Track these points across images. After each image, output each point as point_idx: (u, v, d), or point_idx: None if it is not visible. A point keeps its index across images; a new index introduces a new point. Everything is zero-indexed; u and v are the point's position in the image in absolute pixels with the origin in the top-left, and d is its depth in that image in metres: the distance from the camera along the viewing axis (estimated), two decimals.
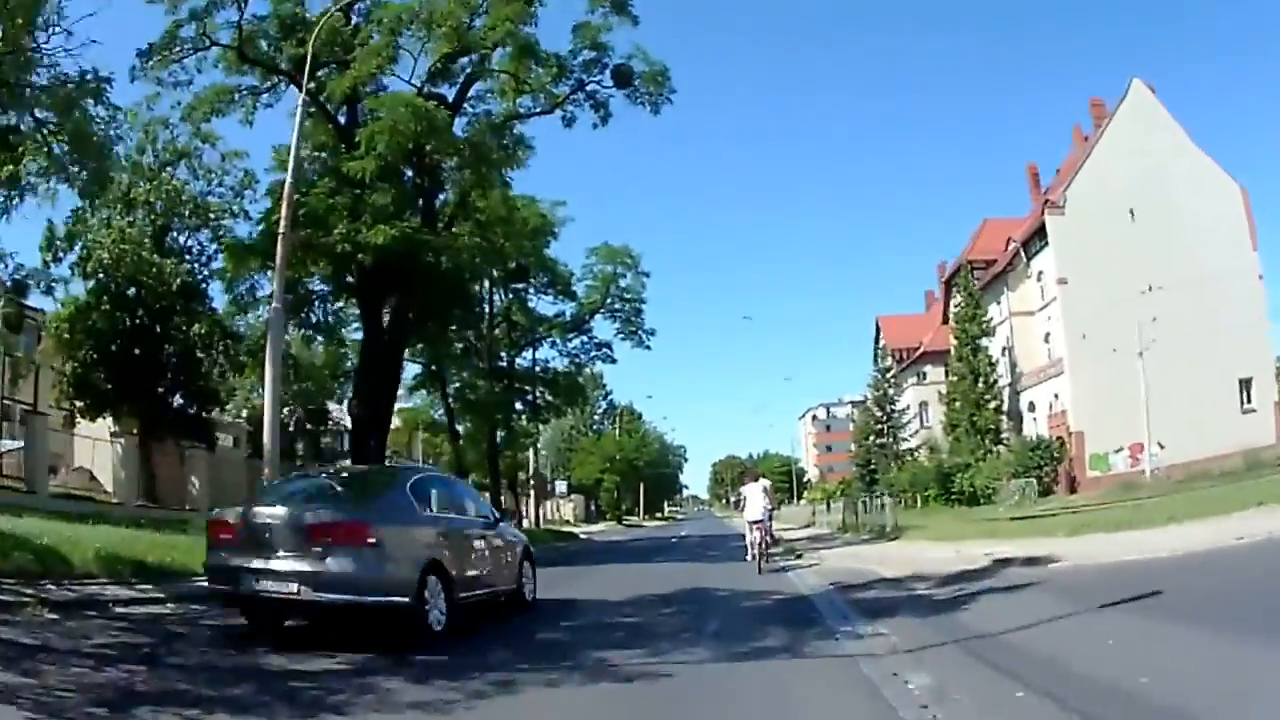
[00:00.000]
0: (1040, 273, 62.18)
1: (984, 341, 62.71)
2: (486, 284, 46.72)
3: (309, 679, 8.62)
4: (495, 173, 32.02)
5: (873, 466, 73.61)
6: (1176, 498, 29.64)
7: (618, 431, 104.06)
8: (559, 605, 15.22)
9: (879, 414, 75.41)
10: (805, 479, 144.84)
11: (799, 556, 26.03)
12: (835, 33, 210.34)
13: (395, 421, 48.61)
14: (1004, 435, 61.79)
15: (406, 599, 10.56)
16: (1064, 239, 58.05)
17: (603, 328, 53.53)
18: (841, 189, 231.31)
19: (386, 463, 32.33)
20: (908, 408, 77.90)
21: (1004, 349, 65.09)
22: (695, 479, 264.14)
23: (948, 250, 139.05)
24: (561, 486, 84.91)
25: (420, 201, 32.54)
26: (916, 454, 73.29)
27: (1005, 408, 63.08)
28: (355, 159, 28.36)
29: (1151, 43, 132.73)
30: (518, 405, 50.90)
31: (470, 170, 31.52)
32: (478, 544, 13.07)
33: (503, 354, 50.29)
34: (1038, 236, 61.67)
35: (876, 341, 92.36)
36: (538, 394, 52.28)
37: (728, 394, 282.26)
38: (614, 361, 52.93)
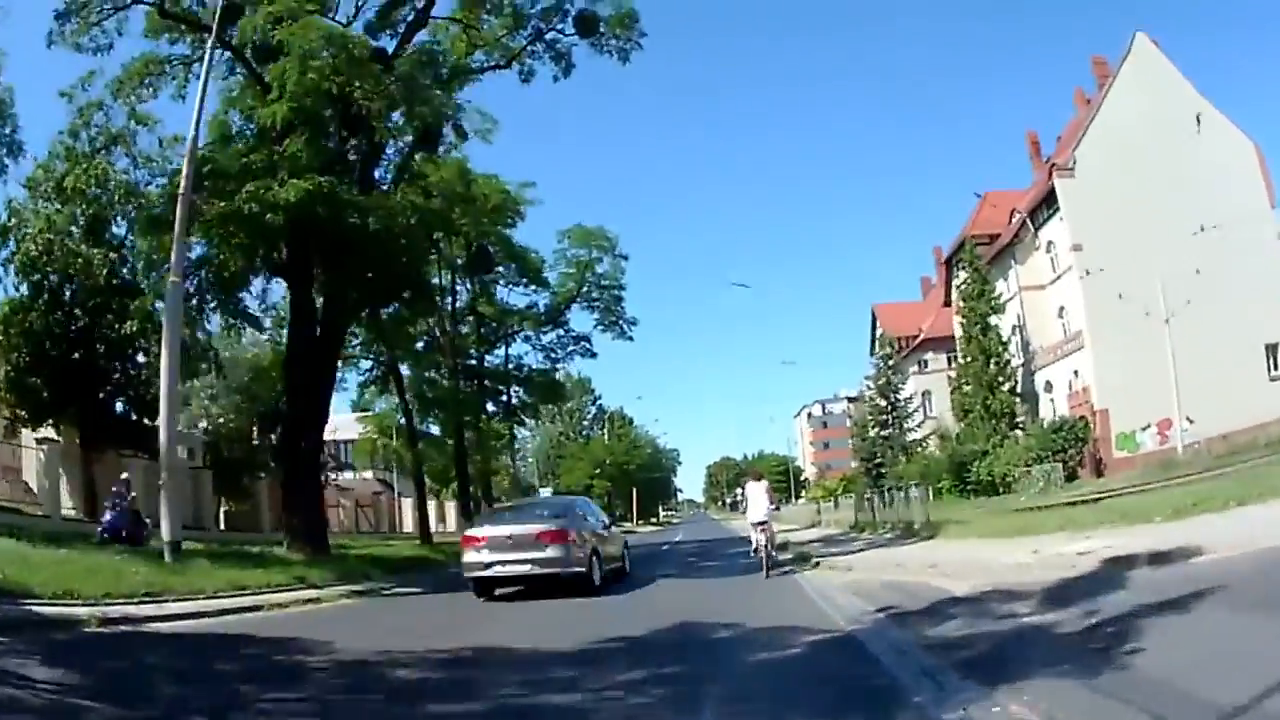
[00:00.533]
0: (1050, 243, 56.90)
1: (993, 320, 57.43)
2: (450, 275, 41.54)
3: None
4: (438, 118, 26.64)
5: (878, 460, 68.07)
6: (1237, 471, 26.56)
7: (607, 435, 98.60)
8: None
9: (883, 404, 69.77)
10: (802, 477, 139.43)
11: (815, 564, 20.71)
12: (813, 19, 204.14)
13: (361, 427, 43.12)
14: (1018, 420, 56.52)
15: (584, 569, 18.05)
16: (1075, 203, 52.90)
17: (580, 320, 48.74)
18: (827, 178, 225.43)
19: (321, 465, 29.27)
20: (911, 397, 72.48)
21: (1014, 327, 59.81)
22: (690, 482, 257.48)
23: (942, 234, 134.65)
24: (546, 494, 78.90)
25: (357, 173, 27.46)
26: (925, 444, 67.93)
27: (1019, 389, 57.80)
28: (268, 105, 23.85)
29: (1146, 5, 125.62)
30: (489, 406, 45.74)
31: (407, 117, 26.32)
32: (607, 536, 20.96)
33: (472, 351, 44.92)
34: (1045, 204, 56.68)
35: (873, 331, 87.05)
36: (511, 393, 47.05)
37: (720, 396, 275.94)
38: (594, 356, 47.72)
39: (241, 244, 24.53)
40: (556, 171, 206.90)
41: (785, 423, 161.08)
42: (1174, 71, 54.42)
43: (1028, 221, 58.56)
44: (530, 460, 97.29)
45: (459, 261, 39.45)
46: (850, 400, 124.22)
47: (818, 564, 20.42)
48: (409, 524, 52.92)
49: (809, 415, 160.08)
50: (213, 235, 24.32)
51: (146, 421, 32.16)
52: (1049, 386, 57.92)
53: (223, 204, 23.30)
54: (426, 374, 40.95)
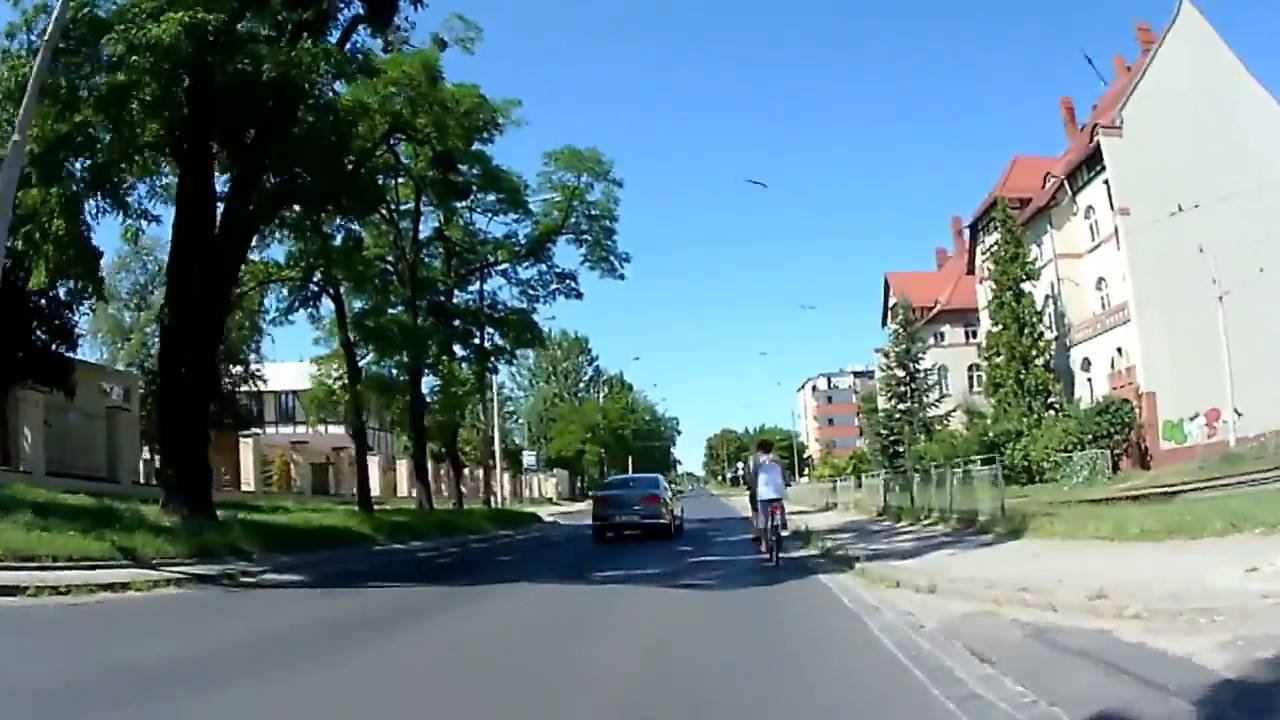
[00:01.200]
0: (1090, 208, 50.91)
1: (1026, 287, 50.81)
2: (414, 196, 34.51)
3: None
4: None
5: (894, 437, 61.20)
6: None
7: (601, 397, 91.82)
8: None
9: (900, 374, 62.72)
10: (805, 454, 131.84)
11: (858, 568, 13.78)
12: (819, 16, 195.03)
13: (308, 374, 35.56)
14: (1052, 400, 49.73)
15: (666, 522, 26.21)
16: (1122, 164, 46.63)
17: (566, 255, 41.82)
18: (836, 142, 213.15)
19: (208, 399, 21.27)
20: (931, 369, 65.51)
21: (1047, 297, 53.14)
22: (689, 455, 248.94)
23: (958, 204, 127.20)
24: (529, 459, 71.64)
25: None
26: (946, 421, 61.01)
27: (1052, 365, 51.08)
28: None
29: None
30: (458, 349, 38.58)
31: None
32: (673, 501, 30.00)
33: (440, 285, 37.83)
34: (1085, 167, 50.56)
35: (886, 301, 79.37)
36: (485, 336, 39.70)
37: (722, 364, 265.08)
38: (579, 296, 40.28)
39: (110, 99, 17.91)
40: (554, 117, 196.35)
41: (789, 395, 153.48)
42: (1220, 43, 48.97)
43: (1065, 184, 52.56)
44: (521, 421, 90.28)
45: (427, 177, 32.03)
46: (857, 375, 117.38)
47: (863, 570, 13.37)
48: (374, 486, 46.25)
49: (813, 389, 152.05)
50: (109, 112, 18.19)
51: (67, 353, 27.94)
52: (1087, 364, 51.60)
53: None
54: (375, 302, 33.10)
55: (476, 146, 33.09)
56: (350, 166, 23.18)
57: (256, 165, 20.63)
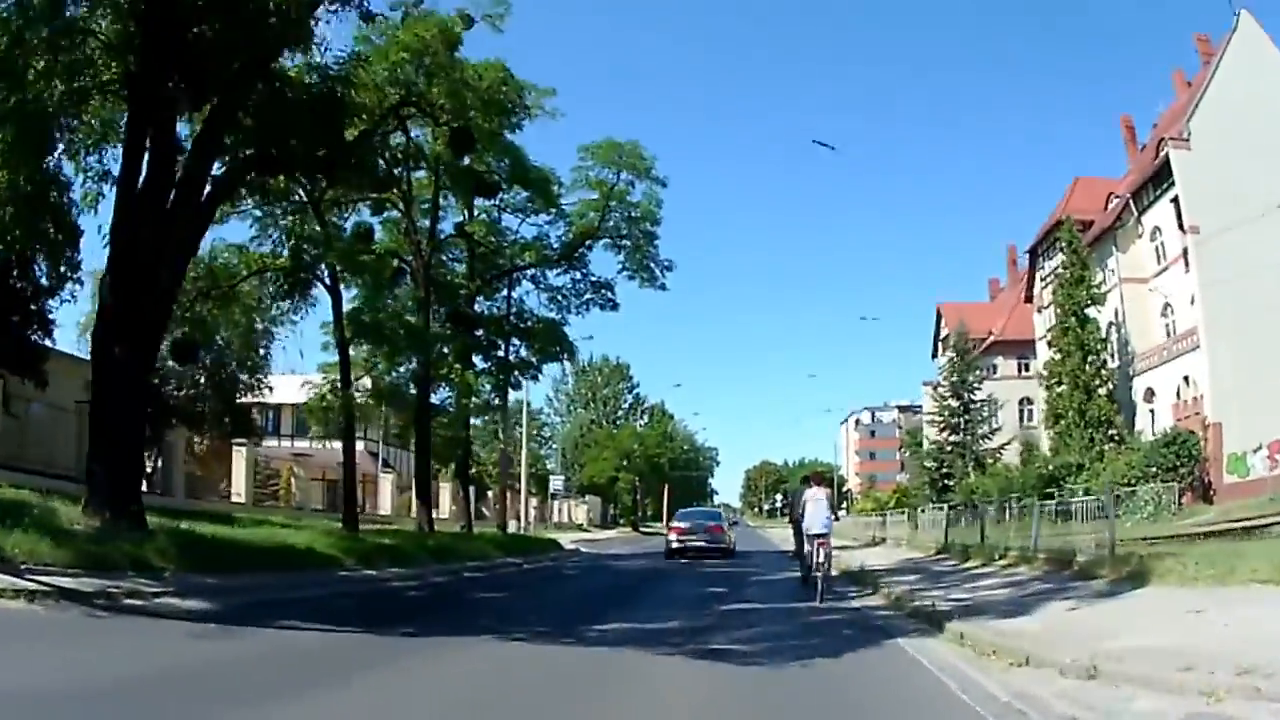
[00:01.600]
0: (1156, 229, 46.82)
1: (1091, 312, 46.88)
2: (431, 183, 30.87)
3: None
4: None
5: (945, 470, 57.16)
6: None
7: (639, 424, 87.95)
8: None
9: (954, 404, 58.71)
10: (844, 489, 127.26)
11: (940, 626, 10.30)
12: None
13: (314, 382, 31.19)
14: (1113, 433, 45.68)
15: (727, 546, 33.88)
16: (1192, 179, 42.80)
17: (603, 264, 38.01)
18: (882, 179, 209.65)
19: (146, 388, 18.65)
20: (986, 400, 61.50)
21: (1111, 324, 49.18)
22: (727, 485, 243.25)
23: (1013, 232, 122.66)
24: (556, 483, 67.91)
25: None
26: (999, 455, 57.15)
27: (1114, 397, 47.15)
28: None
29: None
30: (478, 360, 34.67)
31: None
32: (729, 528, 37.36)
33: (463, 290, 33.79)
34: (1151, 185, 46.66)
35: (937, 333, 76.21)
36: (510, 348, 35.92)
37: (764, 395, 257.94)
38: (615, 307, 36.53)
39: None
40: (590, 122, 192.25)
41: (830, 427, 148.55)
42: (1276, 50, 45.26)
43: (1130, 204, 48.59)
44: (556, 446, 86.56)
45: (444, 162, 28.40)
46: (902, 410, 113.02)
47: (959, 633, 9.49)
48: (385, 505, 42.70)
49: (856, 422, 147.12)
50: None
51: (47, 343, 25.26)
52: (1150, 395, 47.33)
53: None
54: (379, 299, 28.97)
55: (505, 137, 29.68)
56: (351, 136, 20.07)
57: (226, 112, 17.20)
